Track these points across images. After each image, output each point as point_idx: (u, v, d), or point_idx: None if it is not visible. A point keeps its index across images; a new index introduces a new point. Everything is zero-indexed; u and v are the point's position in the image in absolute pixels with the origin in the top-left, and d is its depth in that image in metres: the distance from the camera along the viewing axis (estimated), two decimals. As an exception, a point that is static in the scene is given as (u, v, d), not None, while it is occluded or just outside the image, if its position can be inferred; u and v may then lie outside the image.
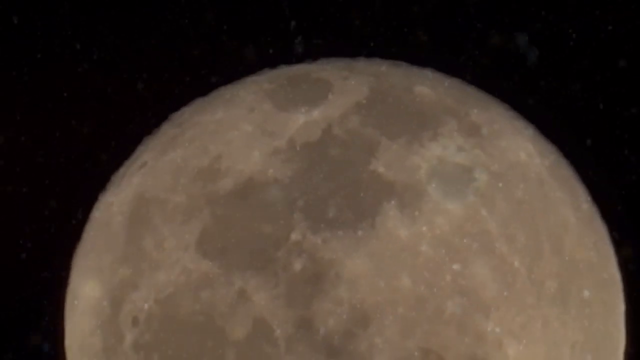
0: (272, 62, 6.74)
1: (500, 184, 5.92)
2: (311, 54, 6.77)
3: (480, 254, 5.65)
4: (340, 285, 5.49)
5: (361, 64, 6.63)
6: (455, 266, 5.57)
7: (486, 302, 5.56)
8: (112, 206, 6.33)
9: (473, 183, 5.84)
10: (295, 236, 5.61)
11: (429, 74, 6.67)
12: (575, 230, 6.13)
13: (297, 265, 5.56)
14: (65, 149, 7.03)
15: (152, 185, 6.12)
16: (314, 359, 5.44)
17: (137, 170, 6.35)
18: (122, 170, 6.58)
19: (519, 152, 6.20)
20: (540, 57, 7.40)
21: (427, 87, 6.36)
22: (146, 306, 5.79)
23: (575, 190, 6.46)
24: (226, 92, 6.61)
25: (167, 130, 6.55)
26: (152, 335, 5.74)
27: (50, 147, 7.07)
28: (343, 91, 6.15)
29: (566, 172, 6.55)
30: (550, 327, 5.72)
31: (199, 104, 6.68)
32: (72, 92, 7.03)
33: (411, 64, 6.73)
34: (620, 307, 6.36)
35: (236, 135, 6.07)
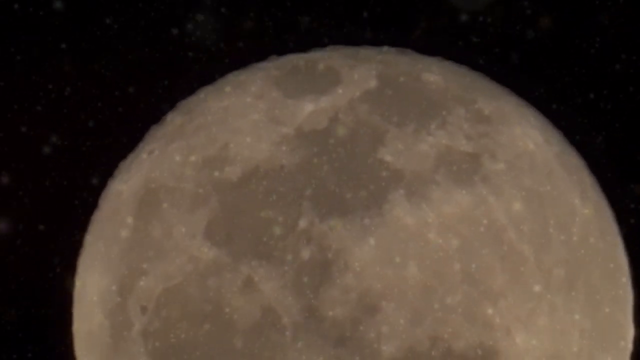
0: (280, 50, 6.73)
1: (508, 172, 5.92)
2: (319, 42, 6.76)
3: (488, 242, 5.65)
4: (347, 274, 5.49)
5: (369, 51, 6.61)
6: (463, 254, 5.58)
7: (494, 290, 5.56)
8: (120, 194, 6.33)
9: (481, 171, 5.84)
10: (303, 224, 5.62)
11: (436, 61, 6.66)
12: (583, 218, 6.13)
13: (305, 253, 5.56)
14: (73, 138, 7.03)
15: (160, 173, 6.12)
16: (321, 347, 5.45)
17: (145, 158, 6.35)
18: (130, 158, 6.58)
19: (527, 140, 6.19)
20: (549, 46, 7.39)
21: (435, 75, 6.34)
22: (155, 294, 5.80)
23: (583, 178, 6.45)
24: (233, 80, 6.59)
25: (174, 118, 6.55)
26: (160, 323, 5.75)
27: (59, 136, 7.07)
28: (350, 79, 6.14)
29: (574, 160, 6.55)
30: (558, 315, 5.73)
31: (206, 91, 6.68)
32: (80, 81, 7.03)
33: (418, 52, 6.71)
34: (628, 294, 6.36)
35: (243, 123, 6.06)
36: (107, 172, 6.68)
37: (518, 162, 6.01)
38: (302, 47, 6.73)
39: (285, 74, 6.35)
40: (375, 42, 6.80)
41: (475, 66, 6.80)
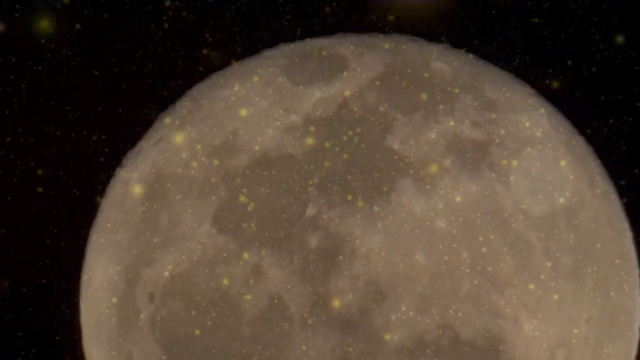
0: (288, 37, 6.73)
1: (516, 160, 5.91)
2: (327, 29, 6.75)
3: (496, 230, 5.65)
4: (355, 262, 5.49)
5: (377, 39, 6.61)
6: (471, 242, 5.58)
7: (502, 278, 5.56)
8: (129, 182, 6.34)
9: (489, 158, 5.84)
10: (310, 212, 5.62)
11: (444, 49, 6.65)
12: (590, 206, 6.12)
13: (313, 241, 5.57)
14: (82, 126, 7.04)
15: (168, 162, 6.13)
16: (328, 335, 5.46)
17: (153, 146, 6.36)
18: (138, 146, 6.59)
19: (535, 127, 6.18)
20: (557, 35, 7.37)
21: (443, 62, 6.34)
22: (162, 282, 5.82)
23: (591, 166, 6.45)
24: (241, 67, 6.60)
25: (183, 105, 6.56)
26: (167, 311, 5.77)
27: (66, 124, 7.08)
28: (359, 67, 6.14)
29: (581, 148, 6.54)
30: (566, 302, 5.73)
31: (214, 79, 6.68)
32: (88, 70, 7.04)
33: (427, 40, 6.71)
34: (636, 282, 6.36)
35: (251, 110, 6.07)
36: (115, 160, 6.69)
37: (526, 149, 6.01)
38: (310, 34, 6.72)
39: (293, 61, 6.36)
40: (384, 30, 6.79)
41: (482, 54, 6.79)
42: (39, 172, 7.24)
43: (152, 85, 6.99)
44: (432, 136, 5.83)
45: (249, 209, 5.71)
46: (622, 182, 6.64)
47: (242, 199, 5.75)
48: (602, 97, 7.55)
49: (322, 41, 6.61)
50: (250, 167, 5.84)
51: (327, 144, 5.78)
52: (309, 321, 5.49)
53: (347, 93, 5.97)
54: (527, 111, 6.29)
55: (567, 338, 5.74)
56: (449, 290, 5.48)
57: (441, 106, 5.97)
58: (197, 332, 5.66)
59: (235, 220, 5.72)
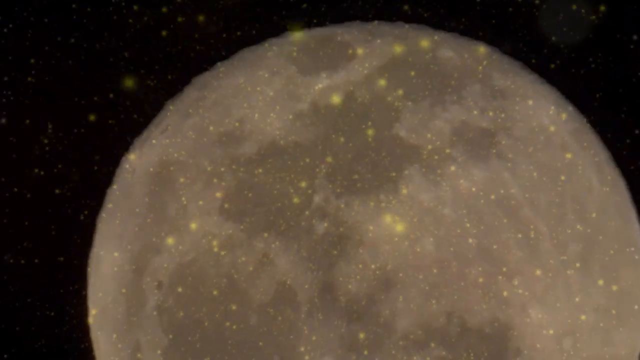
0: (294, 25, 6.71)
1: (524, 148, 5.90)
2: (335, 17, 6.74)
3: (504, 218, 5.65)
4: (363, 249, 5.49)
5: (384, 27, 6.60)
6: (478, 230, 5.57)
7: (509, 266, 5.56)
8: (135, 170, 6.35)
9: (496, 146, 5.83)
10: (318, 199, 5.62)
11: (451, 37, 6.63)
12: (598, 194, 6.11)
13: (320, 229, 5.57)
14: (88, 114, 7.04)
15: (174, 150, 6.13)
16: (336, 322, 5.46)
17: (160, 134, 6.36)
18: (145, 134, 6.59)
19: (542, 115, 6.17)
20: (564, 21, 7.34)
21: (450, 50, 6.32)
22: (169, 270, 5.82)
23: (599, 154, 6.43)
24: (248, 55, 6.59)
25: (190, 93, 6.55)
26: (175, 299, 5.77)
27: (72, 112, 7.08)
28: (366, 55, 6.13)
29: (589, 135, 6.52)
30: (573, 290, 5.72)
31: (221, 67, 6.67)
32: (92, 58, 7.03)
33: (434, 28, 6.69)
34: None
35: (258, 98, 6.06)
36: (121, 148, 6.70)
37: (533, 137, 6.00)
38: (318, 22, 6.72)
39: (299, 49, 6.35)
40: (391, 18, 6.78)
41: (490, 42, 6.77)
42: (44, 159, 7.26)
43: (159, 72, 6.99)
44: (440, 124, 5.82)
45: (256, 196, 5.72)
46: (631, 170, 6.62)
47: (249, 186, 5.76)
48: (611, 86, 7.52)
49: (329, 29, 6.60)
50: (257, 155, 5.84)
51: (333, 133, 5.78)
52: (316, 309, 5.49)
53: (353, 81, 5.97)
54: (535, 99, 6.27)
55: (575, 326, 5.73)
56: (456, 278, 5.48)
57: (449, 94, 5.96)
58: (204, 320, 5.66)
59: (242, 208, 5.72)
